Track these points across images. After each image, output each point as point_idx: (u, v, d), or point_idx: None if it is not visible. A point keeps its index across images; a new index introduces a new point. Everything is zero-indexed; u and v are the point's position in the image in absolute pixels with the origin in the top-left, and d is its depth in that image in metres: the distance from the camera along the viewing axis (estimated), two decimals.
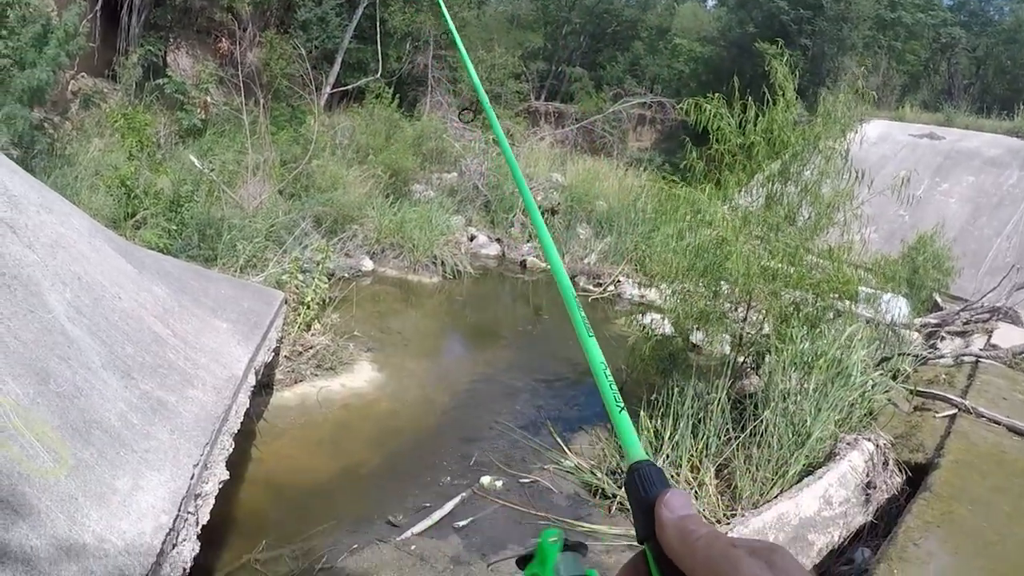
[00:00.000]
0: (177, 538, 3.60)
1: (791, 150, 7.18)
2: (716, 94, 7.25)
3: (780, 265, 6.90)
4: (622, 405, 0.88)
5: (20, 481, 2.99)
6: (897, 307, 11.09)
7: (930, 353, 10.07)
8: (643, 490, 0.75)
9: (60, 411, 3.55)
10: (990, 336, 12.21)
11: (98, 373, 4.05)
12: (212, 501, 4.19)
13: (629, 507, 0.76)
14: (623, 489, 0.82)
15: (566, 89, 29.44)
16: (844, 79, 7.92)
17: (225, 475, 4.45)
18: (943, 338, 12.05)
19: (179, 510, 3.65)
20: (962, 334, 12.58)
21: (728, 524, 5.12)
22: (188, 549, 3.66)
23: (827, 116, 7.24)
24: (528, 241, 15.41)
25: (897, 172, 13.16)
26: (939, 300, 14.99)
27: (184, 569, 3.54)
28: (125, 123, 12.02)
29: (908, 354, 9.18)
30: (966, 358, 9.85)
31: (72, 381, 3.79)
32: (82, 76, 14.41)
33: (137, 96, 14.43)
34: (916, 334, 11.76)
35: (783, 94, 7.13)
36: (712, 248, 6.85)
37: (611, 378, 0.92)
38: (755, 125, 7.18)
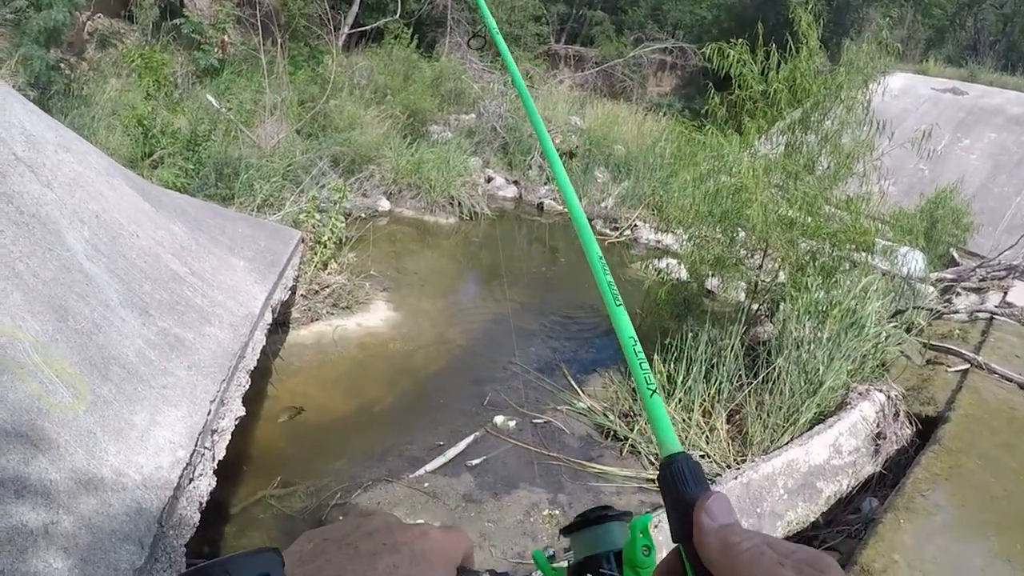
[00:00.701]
0: (194, 472, 3.68)
1: (813, 99, 7.12)
2: (739, 40, 7.18)
3: (798, 214, 6.88)
4: (654, 387, 0.82)
5: (39, 416, 3.06)
6: (914, 260, 11.02)
7: (945, 308, 10.06)
8: (680, 488, 0.71)
9: (79, 347, 3.60)
10: (1006, 294, 12.15)
11: (116, 310, 4.11)
12: (228, 437, 4.27)
13: (663, 502, 0.72)
14: (656, 480, 0.75)
15: (587, 32, 29.05)
16: (868, 30, 7.80)
17: (241, 411, 4.51)
18: (958, 293, 12.01)
19: (196, 445, 3.72)
20: (977, 290, 12.53)
21: (739, 468, 5.17)
22: (205, 484, 3.73)
23: (850, 66, 7.16)
24: (545, 184, 15.36)
25: (918, 126, 13.01)
26: (956, 256, 14.92)
27: (201, 503, 3.62)
28: (142, 63, 11.99)
29: (923, 307, 9.18)
30: (980, 314, 9.83)
31: (90, 318, 3.84)
32: (98, 17, 14.32)
33: (154, 36, 14.34)
34: (932, 288, 11.72)
35: (806, 42, 7.05)
36: (730, 195, 6.83)
37: (642, 356, 0.85)
38: (777, 72, 7.12)
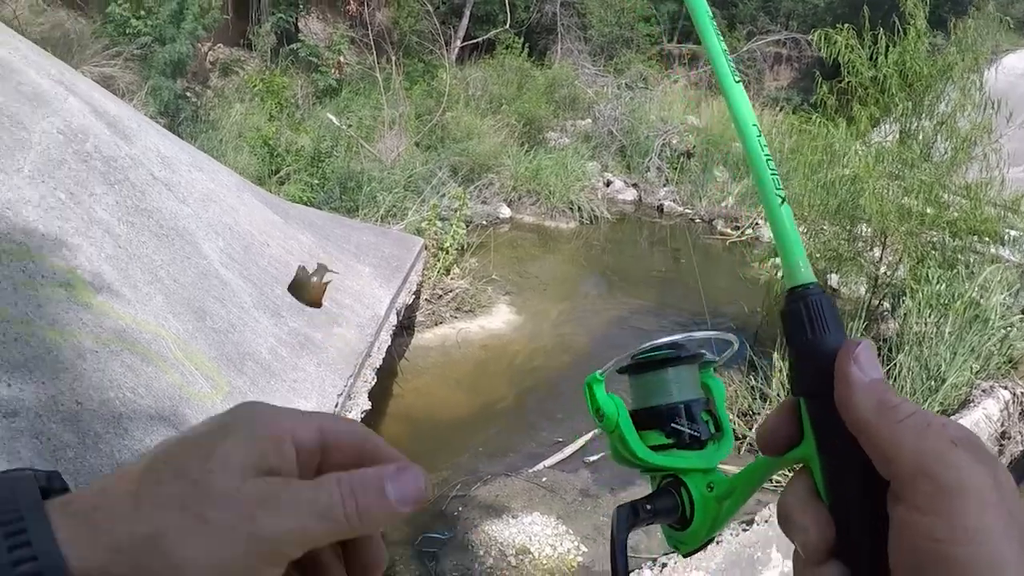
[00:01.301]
0: None
1: (923, 82, 6.99)
2: (846, 25, 7.11)
3: (915, 203, 6.76)
4: (783, 195, 0.65)
5: (181, 403, 3.34)
6: None
7: None
8: (813, 329, 0.57)
9: (216, 344, 3.90)
10: None
11: (250, 312, 4.41)
12: None
13: (787, 345, 0.60)
14: (781, 319, 0.53)
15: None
16: (987, 7, 7.63)
17: (367, 405, 4.76)
18: None
19: None
20: None
21: None
22: None
23: (959, 45, 7.01)
24: (664, 185, 15.39)
25: None
26: None
27: None
28: (264, 87, 12.57)
29: None
30: None
31: (226, 318, 4.15)
32: (219, 47, 15.05)
33: (273, 61, 14.99)
34: None
35: (913, 23, 6.93)
36: (844, 186, 6.77)
37: (768, 154, 0.65)
38: (887, 57, 7.01)
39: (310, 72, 14.93)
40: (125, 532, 0.44)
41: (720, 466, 0.72)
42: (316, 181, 9.81)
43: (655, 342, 0.76)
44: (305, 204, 8.57)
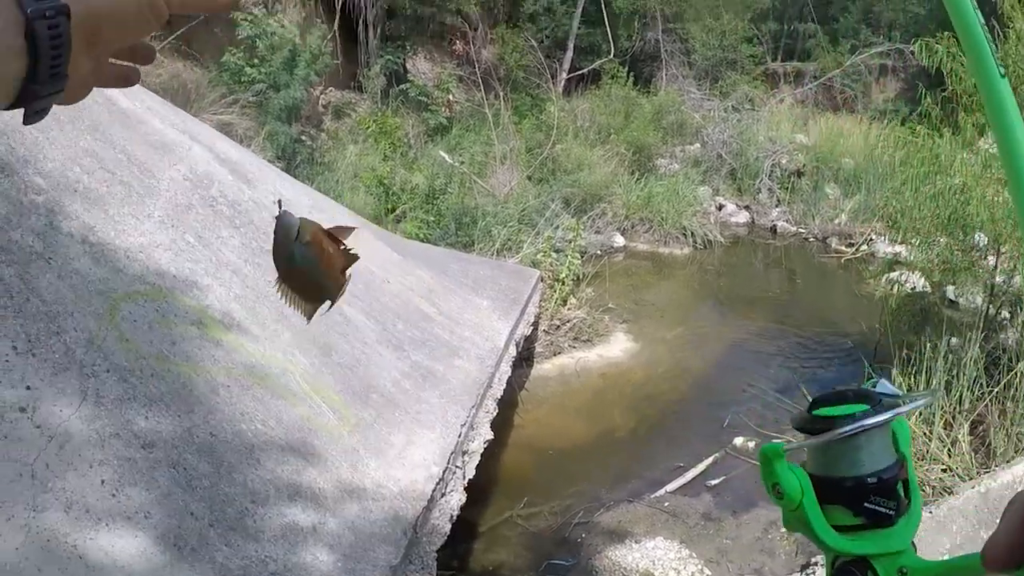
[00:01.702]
0: (446, 488, 4.00)
1: None
2: (946, 33, 6.97)
3: None
4: (1003, 69, 0.60)
5: (310, 435, 3.47)
6: None
7: None
8: None
9: (342, 378, 4.04)
10: None
11: (373, 347, 4.55)
12: (478, 458, 4.59)
13: None
14: None
15: (801, 47, 28.29)
16: None
17: (490, 435, 4.84)
18: None
19: (448, 463, 4.06)
20: None
21: (977, 478, 4.99)
22: (455, 499, 4.06)
23: None
24: (777, 206, 15.18)
25: None
26: None
27: (452, 516, 3.93)
28: (376, 128, 12.91)
29: None
30: None
31: (351, 353, 4.29)
32: (330, 90, 15.49)
33: (383, 103, 15.32)
34: None
35: (1012, 25, 6.76)
36: (954, 195, 6.61)
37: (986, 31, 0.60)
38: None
39: (420, 111, 15.24)
40: None
41: None
42: (432, 218, 10.01)
43: (839, 392, 0.69)
44: (421, 241, 8.76)
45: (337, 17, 14.98)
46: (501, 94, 14.90)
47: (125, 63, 0.84)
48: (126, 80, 0.86)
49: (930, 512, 4.08)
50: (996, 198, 6.48)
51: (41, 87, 0.65)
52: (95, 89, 0.76)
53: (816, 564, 3.82)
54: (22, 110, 0.69)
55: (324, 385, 3.89)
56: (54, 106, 0.71)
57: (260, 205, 4.78)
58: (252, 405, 3.33)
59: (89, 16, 0.68)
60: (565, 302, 8.85)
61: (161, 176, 4.22)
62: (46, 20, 0.63)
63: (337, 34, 15.03)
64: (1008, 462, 5.41)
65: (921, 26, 26.40)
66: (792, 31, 28.98)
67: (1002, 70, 0.62)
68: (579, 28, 19.60)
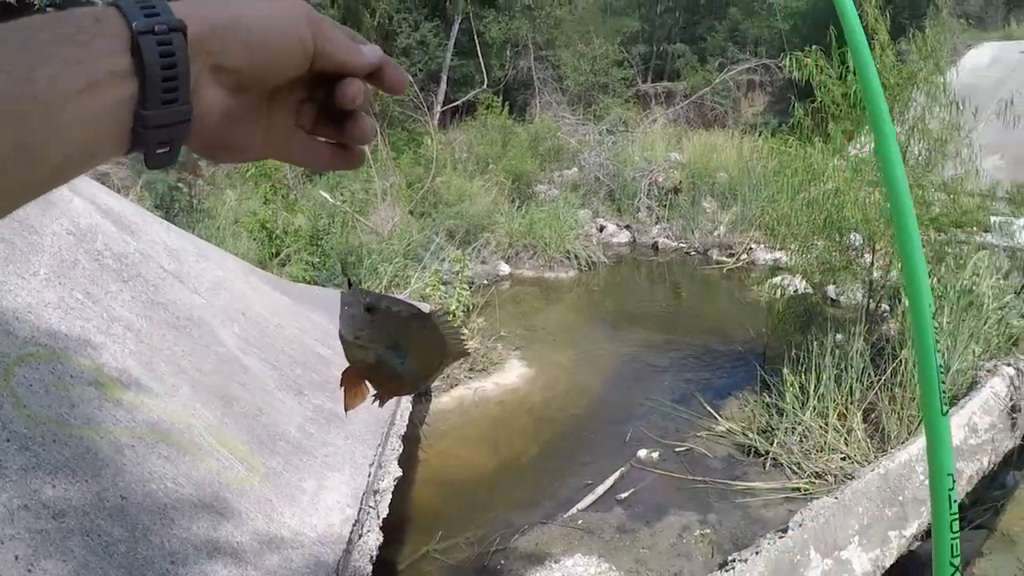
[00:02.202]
0: (362, 529, 3.98)
1: (892, 92, 7.18)
2: (814, 46, 7.30)
3: None
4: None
5: (221, 489, 3.41)
6: None
7: None
8: None
9: (246, 428, 3.98)
10: None
11: (274, 393, 4.50)
12: (389, 496, 4.57)
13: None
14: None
15: (671, 67, 29.16)
16: (941, 14, 7.82)
17: (398, 472, 4.82)
18: None
19: (361, 504, 4.04)
20: None
21: (876, 461, 5.21)
22: (373, 539, 4.03)
23: (920, 53, 7.22)
24: (656, 223, 15.58)
25: (1015, 94, 12.69)
26: None
27: (371, 556, 3.91)
28: (256, 170, 12.75)
29: None
30: None
31: (252, 402, 4.23)
32: None
33: None
34: None
35: (875, 36, 7.13)
36: (828, 200, 6.93)
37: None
38: (854, 73, 7.21)
39: None
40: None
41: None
42: (317, 259, 9.92)
43: None
44: (309, 283, 8.69)
45: None
46: (378, 130, 14.88)
47: (326, 141, 0.78)
48: (333, 159, 0.80)
49: (835, 498, 4.25)
50: (868, 199, 6.81)
51: (154, 115, 0.59)
52: None
53: (735, 560, 3.91)
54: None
55: (229, 437, 3.83)
56: None
57: (147, 256, 4.69)
58: (159, 464, 3.26)
59: (213, 35, 0.62)
60: None
61: (44, 231, 4.10)
62: (155, 36, 0.58)
63: None
64: (902, 443, 5.66)
65: (786, 41, 27.46)
66: (661, 52, 29.80)
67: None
68: (452, 60, 19.80)
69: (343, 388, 0.93)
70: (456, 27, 19.89)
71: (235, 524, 3.30)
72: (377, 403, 0.96)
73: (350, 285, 0.90)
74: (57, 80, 0.53)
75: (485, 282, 11.49)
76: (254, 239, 10.31)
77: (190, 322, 4.48)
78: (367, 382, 0.93)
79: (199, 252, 5.49)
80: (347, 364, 0.92)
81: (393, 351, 0.91)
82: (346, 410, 0.94)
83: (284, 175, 13.35)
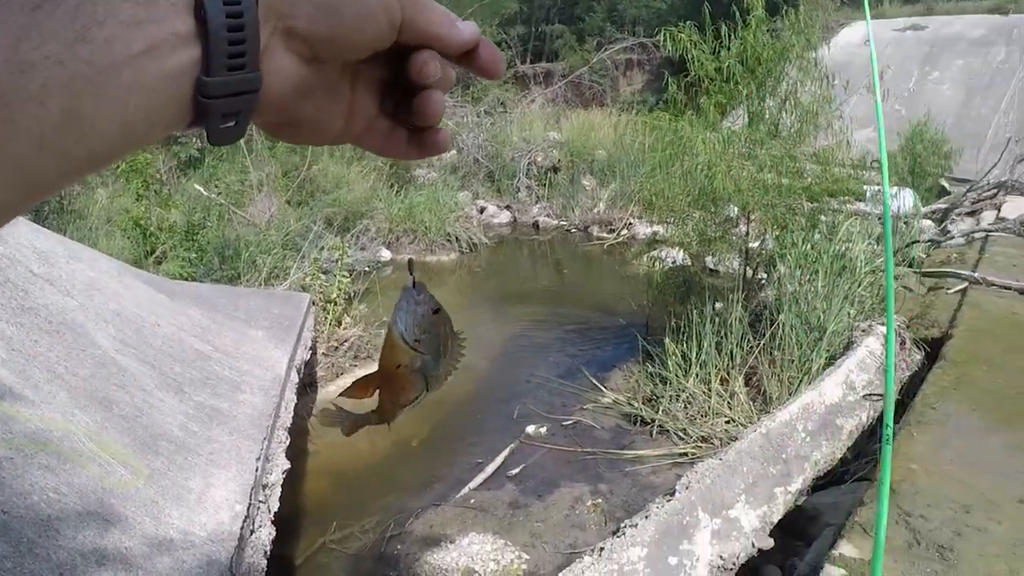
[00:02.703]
0: (254, 524, 3.97)
1: (765, 66, 7.41)
2: (688, 22, 7.48)
3: (770, 176, 7.17)
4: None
5: (105, 494, 3.36)
6: (903, 199, 11.36)
7: (940, 237, 10.34)
8: None
9: (127, 431, 3.91)
10: (999, 210, 12.43)
11: (153, 393, 4.42)
12: (279, 490, 4.56)
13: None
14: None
15: (549, 48, 29.39)
16: None
17: (287, 465, 4.81)
18: (954, 220, 12.29)
19: (250, 499, 4.02)
20: (972, 213, 12.82)
21: (758, 421, 5.42)
22: (265, 534, 4.03)
23: (793, 29, 7.46)
24: (536, 202, 15.73)
25: (885, 69, 13.21)
26: (946, 185, 15.20)
27: (265, 551, 3.90)
28: (127, 167, 12.40)
29: (916, 241, 9.44)
30: (976, 235, 10.09)
31: (132, 404, 4.16)
32: None
33: None
34: (928, 221, 12.02)
35: (753, 13, 7.35)
36: (702, 173, 7.12)
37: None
38: (728, 48, 7.41)
39: (171, 145, 14.74)
40: None
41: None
42: (194, 255, 9.72)
43: None
44: (187, 279, 8.51)
45: None
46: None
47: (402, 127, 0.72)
48: (410, 147, 0.74)
49: (720, 459, 4.41)
50: (742, 172, 7.03)
51: (218, 82, 0.54)
52: None
53: (626, 526, 4.04)
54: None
55: (110, 441, 3.76)
56: None
57: (14, 261, 4.55)
58: (40, 474, 3.19)
59: None
60: (340, 322, 8.82)
61: None
62: None
63: None
64: (783, 403, 5.89)
65: (663, 20, 27.87)
66: (540, 33, 29.93)
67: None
68: None
69: (382, 390, 0.87)
70: None
71: (122, 529, 3.26)
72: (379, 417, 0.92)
73: (414, 284, 0.87)
74: (113, 42, 0.49)
75: (366, 269, 11.41)
76: (128, 238, 10.04)
77: (63, 326, 4.36)
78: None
79: (70, 254, 5.33)
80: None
81: (435, 356, 0.86)
82: (387, 419, 0.88)
83: (157, 170, 13.03)
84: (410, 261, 0.89)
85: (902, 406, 5.74)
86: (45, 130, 0.46)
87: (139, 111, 0.51)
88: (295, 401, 5.70)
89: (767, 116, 7.53)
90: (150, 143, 0.57)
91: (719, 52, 7.39)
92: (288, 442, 5.10)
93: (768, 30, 7.48)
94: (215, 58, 0.53)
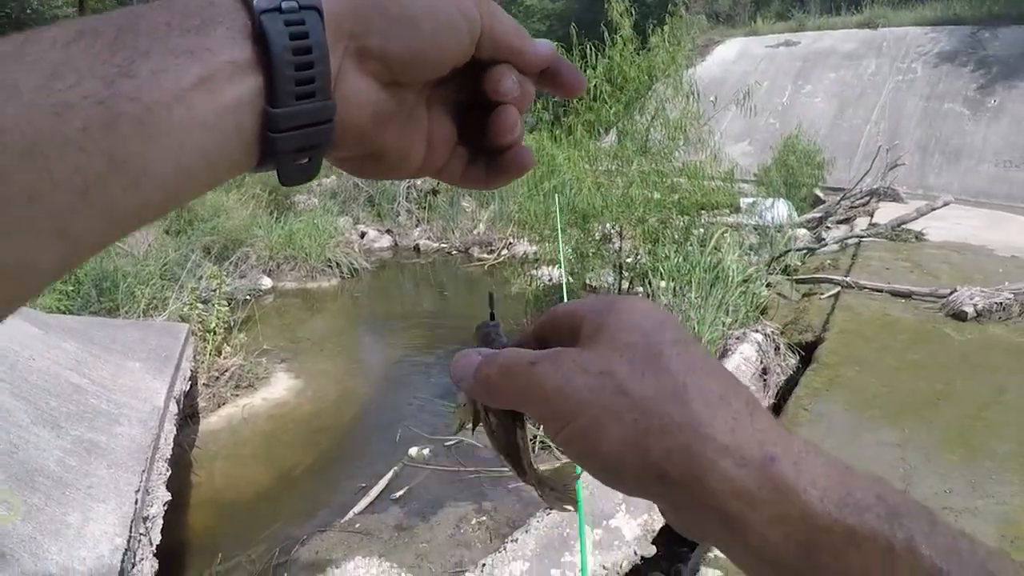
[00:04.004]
0: (135, 557, 3.96)
1: (632, 84, 7.66)
2: (556, 44, 7.68)
3: (639, 192, 7.41)
4: None
5: None
6: (776, 210, 11.78)
7: (814, 244, 10.77)
8: None
9: (3, 467, 3.87)
10: (872, 216, 13.03)
11: (29, 428, 4.37)
12: (160, 522, 4.55)
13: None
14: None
15: None
16: (678, 11, 8.41)
17: (167, 496, 4.79)
18: (828, 228, 12.80)
19: (131, 532, 4.01)
20: (846, 220, 13.39)
21: None
22: (148, 566, 4.03)
23: (661, 47, 7.73)
24: (417, 226, 15.82)
25: (761, 84, 13.72)
26: (820, 194, 15.80)
27: None
28: None
29: (789, 251, 9.83)
30: (850, 241, 10.58)
31: (7, 439, 4.11)
32: None
33: None
34: (803, 230, 12.46)
35: (620, 31, 7.59)
36: (570, 191, 7.31)
37: None
38: (595, 68, 7.65)
39: None
40: None
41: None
42: (71, 287, 9.50)
43: None
44: (64, 312, 8.34)
45: None
46: None
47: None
48: (491, 174, 0.68)
49: None
50: (609, 189, 7.24)
51: (286, 113, 0.49)
52: None
53: (507, 541, 4.17)
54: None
55: None
56: None
57: None
58: None
59: (357, 12, 0.52)
60: (220, 352, 8.76)
61: None
62: (282, 15, 0.48)
63: None
64: None
65: (553, 38, 28.18)
66: None
67: None
68: None
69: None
70: None
71: (0, 566, 3.24)
72: None
73: (492, 318, 0.75)
74: (161, 76, 0.43)
75: (247, 297, 11.32)
76: None
77: None
78: None
79: None
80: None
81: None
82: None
83: None
84: (490, 295, 0.79)
85: (778, 410, 6.04)
86: (88, 179, 0.41)
87: (196, 152, 0.46)
88: (175, 432, 5.67)
89: (634, 132, 7.78)
90: (214, 186, 0.51)
91: (584, 70, 7.60)
92: (169, 474, 5.08)
93: (636, 49, 7.73)
94: (280, 85, 0.48)
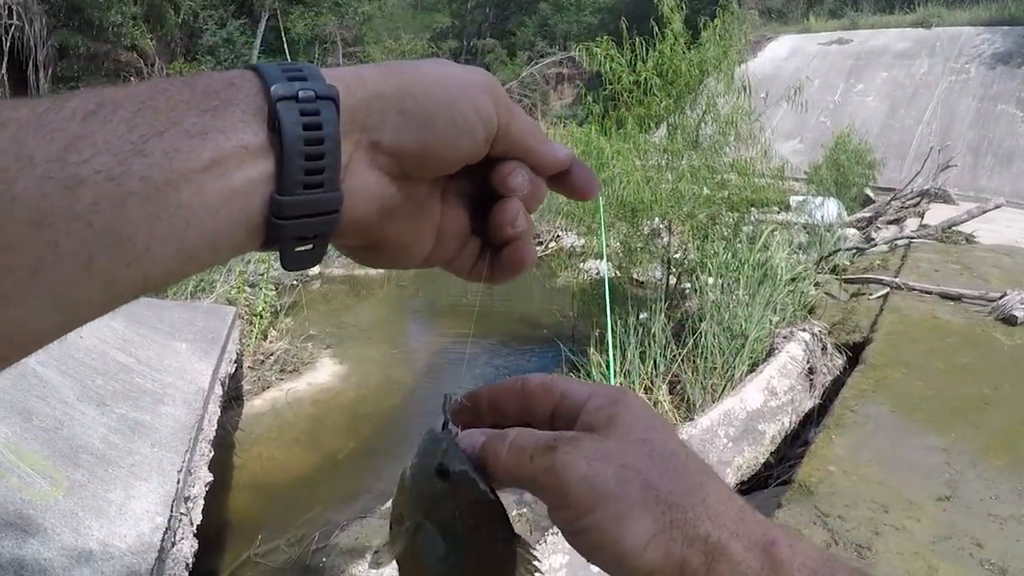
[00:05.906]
0: (175, 537, 3.95)
1: (683, 79, 7.56)
2: (606, 37, 7.60)
3: (690, 187, 7.31)
4: None
5: (24, 505, 3.33)
6: (826, 209, 11.62)
7: (863, 244, 10.59)
8: None
9: (48, 442, 3.88)
10: (922, 217, 12.78)
11: (75, 405, 4.38)
12: (202, 502, 4.53)
13: None
14: None
15: (481, 62, 29.55)
16: (731, 5, 8.25)
17: (209, 477, 4.78)
18: (879, 228, 12.58)
19: (171, 511, 4.00)
20: (896, 221, 13.13)
21: (680, 427, 5.52)
22: (187, 546, 4.01)
23: (710, 41, 7.62)
24: None
25: (812, 82, 13.53)
26: (871, 194, 15.53)
27: (187, 563, 3.89)
28: None
29: (839, 250, 9.67)
30: (900, 242, 10.37)
31: (53, 415, 4.12)
32: None
33: None
34: (852, 229, 12.27)
35: (670, 26, 7.49)
36: (621, 185, 7.23)
37: None
38: (644, 61, 7.55)
39: None
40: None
41: None
42: None
43: None
44: None
45: (4, 59, 14.01)
46: None
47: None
48: (494, 270, 0.65)
49: None
50: (658, 183, 7.15)
51: (292, 202, 0.48)
52: None
53: (548, 534, 4.12)
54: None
55: (29, 452, 3.73)
56: None
57: None
58: None
59: (372, 106, 0.52)
60: (266, 336, 8.79)
61: None
62: (298, 104, 0.47)
63: (5, 77, 14.03)
64: (705, 410, 6.01)
65: (592, 34, 28.17)
66: (472, 47, 30.08)
67: None
68: (259, 58, 19.41)
69: None
70: (263, 24, 19.52)
71: (41, 540, 3.23)
72: None
73: (445, 425, 0.66)
74: (174, 156, 0.43)
75: (294, 282, 11.35)
76: None
77: None
78: None
79: None
80: None
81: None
82: None
83: None
84: (446, 396, 0.68)
85: (824, 410, 5.92)
86: (92, 253, 0.41)
87: (200, 233, 0.45)
88: (219, 414, 5.67)
89: (684, 127, 7.68)
90: (215, 265, 0.51)
91: (635, 64, 7.52)
92: (212, 455, 5.08)
93: (687, 43, 7.63)
94: (289, 174, 0.47)
